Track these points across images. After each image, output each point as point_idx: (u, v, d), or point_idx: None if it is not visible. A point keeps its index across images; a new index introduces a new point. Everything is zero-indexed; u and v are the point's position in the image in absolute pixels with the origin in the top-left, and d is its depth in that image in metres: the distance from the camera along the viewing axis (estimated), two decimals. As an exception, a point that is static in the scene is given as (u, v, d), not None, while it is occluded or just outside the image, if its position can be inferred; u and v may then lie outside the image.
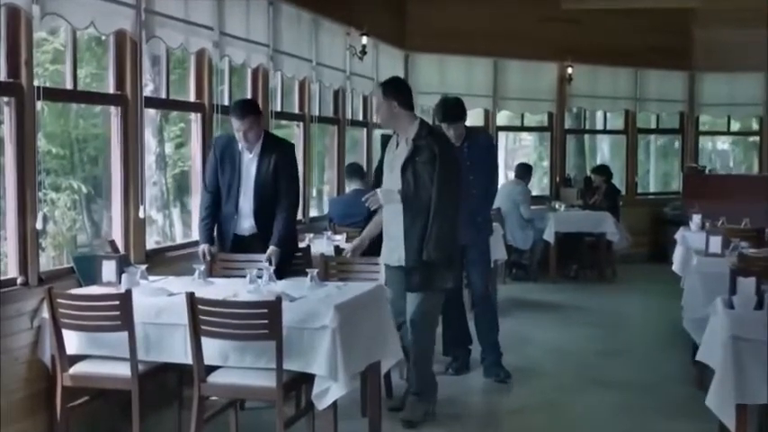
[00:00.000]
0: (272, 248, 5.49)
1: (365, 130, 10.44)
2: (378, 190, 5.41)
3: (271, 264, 5.28)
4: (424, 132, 5.29)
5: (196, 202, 6.56)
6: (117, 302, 4.41)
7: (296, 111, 8.62)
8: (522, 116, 13.27)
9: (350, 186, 8.13)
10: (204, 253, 5.69)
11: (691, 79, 13.46)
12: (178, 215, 9.68)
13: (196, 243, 5.95)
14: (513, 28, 11.78)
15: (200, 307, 4.29)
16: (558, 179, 12.90)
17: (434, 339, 5.64)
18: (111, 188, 5.66)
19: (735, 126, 14.68)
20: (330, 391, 4.29)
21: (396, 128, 5.40)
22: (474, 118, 11.45)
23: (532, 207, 10.99)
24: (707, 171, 13.30)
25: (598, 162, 14.28)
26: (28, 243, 4.65)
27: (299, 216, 7.52)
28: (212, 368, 4.45)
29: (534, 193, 11.86)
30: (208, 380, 4.39)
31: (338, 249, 6.28)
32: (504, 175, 12.25)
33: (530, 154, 15.58)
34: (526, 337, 7.96)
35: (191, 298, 4.28)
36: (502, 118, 12.92)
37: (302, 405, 5.05)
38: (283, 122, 8.57)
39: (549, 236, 10.87)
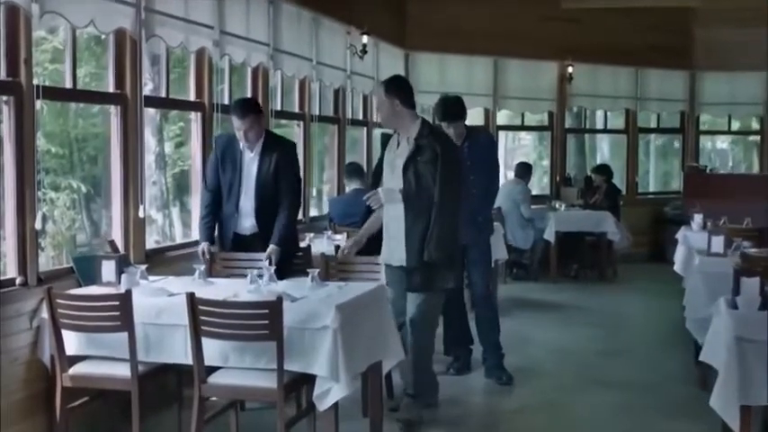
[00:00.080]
0: (272, 247, 5.47)
1: (365, 129, 10.42)
2: (379, 189, 5.37)
3: (271, 263, 5.26)
4: (426, 132, 5.26)
5: (196, 201, 6.55)
6: (117, 303, 4.39)
7: (296, 110, 8.60)
8: (523, 115, 13.25)
9: (350, 186, 8.11)
10: (204, 252, 5.67)
11: (691, 78, 13.44)
12: (178, 215, 9.65)
13: (196, 243, 5.94)
14: (514, 27, 11.76)
15: (200, 307, 4.27)
16: (558, 179, 12.88)
17: (434, 340, 5.61)
18: (111, 188, 5.64)
19: (735, 125, 14.67)
20: (331, 391, 4.27)
21: (397, 127, 5.37)
22: (474, 117, 11.42)
23: (533, 206, 10.97)
24: (708, 170, 13.28)
25: (598, 161, 14.26)
26: (27, 243, 4.63)
27: (300, 216, 7.49)
28: (213, 369, 4.43)
29: (534, 192, 11.84)
30: (208, 380, 4.37)
31: (339, 249, 6.25)
32: (504, 175, 12.22)
33: (529, 153, 15.55)
34: (527, 336, 7.94)
35: (191, 298, 4.26)
36: (502, 117, 12.90)
37: (303, 406, 5.03)
38: (283, 122, 8.54)
39: (549, 235, 10.85)
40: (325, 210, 8.86)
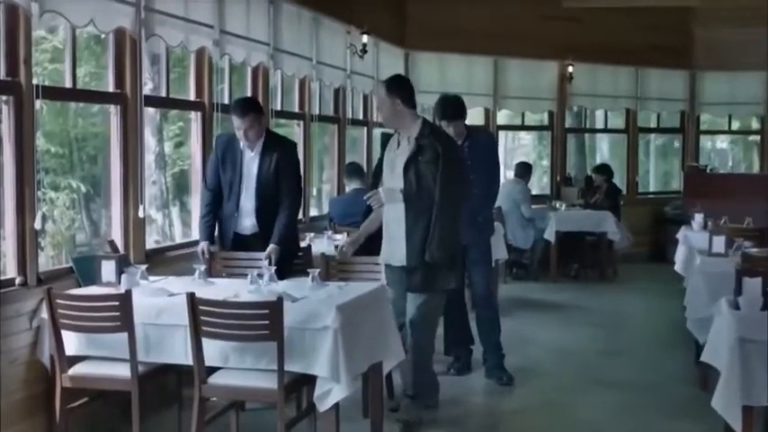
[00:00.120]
0: (272, 246, 5.46)
1: (365, 129, 10.41)
2: (380, 189, 5.35)
3: (270, 262, 5.25)
4: (427, 131, 5.24)
5: (196, 201, 6.54)
6: (117, 303, 4.37)
7: (296, 110, 8.59)
8: (523, 115, 13.24)
9: (350, 186, 8.10)
10: (203, 251, 5.66)
11: (691, 78, 13.43)
12: (177, 214, 9.64)
13: (196, 243, 5.92)
14: (514, 26, 11.75)
15: (200, 307, 4.26)
16: (558, 178, 12.87)
17: (434, 340, 5.60)
18: (111, 187, 5.63)
19: (734, 125, 14.66)
20: (332, 392, 4.26)
21: (398, 126, 5.35)
22: (474, 117, 11.41)
23: (533, 206, 10.96)
24: (708, 170, 13.27)
25: (598, 161, 14.25)
26: (27, 243, 4.62)
27: (300, 216, 7.48)
28: (213, 369, 4.42)
29: (534, 192, 11.84)
30: (208, 381, 4.36)
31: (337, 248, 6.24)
32: (504, 175, 12.20)
33: (529, 153, 15.55)
34: (527, 336, 7.93)
35: (191, 298, 4.25)
36: (502, 117, 12.89)
37: (303, 406, 5.02)
38: (282, 121, 8.53)
39: (549, 235, 10.84)
40: (326, 209, 8.84)
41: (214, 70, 6.68)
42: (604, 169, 11.95)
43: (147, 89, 6.21)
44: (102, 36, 5.65)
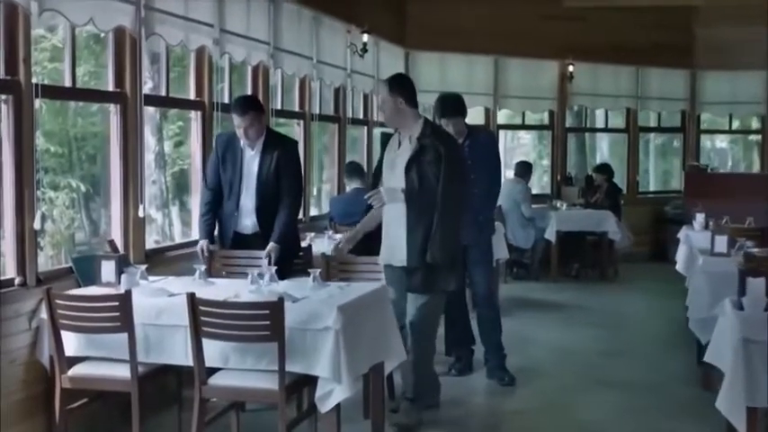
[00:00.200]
0: (271, 245, 5.44)
1: (365, 128, 10.39)
2: (381, 188, 5.31)
3: (270, 260, 5.22)
4: (429, 131, 5.21)
5: (196, 200, 6.52)
6: (116, 303, 4.35)
7: (296, 109, 8.57)
8: (524, 114, 13.22)
9: (350, 185, 8.09)
10: (203, 249, 5.63)
11: (692, 77, 13.42)
12: (177, 214, 9.62)
13: (196, 242, 5.90)
14: (514, 26, 11.73)
15: (201, 308, 4.23)
16: (559, 178, 12.85)
17: (435, 341, 5.58)
18: (111, 187, 5.61)
19: (735, 124, 14.64)
20: (333, 393, 4.23)
21: (400, 125, 5.32)
22: (475, 116, 11.40)
23: (533, 206, 10.94)
24: (709, 170, 13.24)
25: (598, 161, 14.24)
26: (26, 243, 4.60)
27: (300, 215, 7.46)
28: (213, 370, 4.39)
29: (535, 191, 11.82)
30: (209, 382, 4.34)
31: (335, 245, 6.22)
32: (503, 174, 12.18)
33: (528, 153, 15.53)
34: (528, 336, 7.90)
35: (191, 299, 4.23)
36: (502, 116, 12.87)
37: (304, 407, 5.00)
38: (281, 120, 8.50)
39: (550, 235, 10.82)
40: (326, 209, 8.82)
41: (214, 69, 6.66)
42: (605, 169, 11.93)
43: (147, 88, 6.18)
44: (102, 35, 5.62)
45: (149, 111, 7.12)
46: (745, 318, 4.28)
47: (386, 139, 5.62)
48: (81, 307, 4.41)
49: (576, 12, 11.83)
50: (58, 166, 8.57)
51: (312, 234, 7.23)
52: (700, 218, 8.45)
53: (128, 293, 4.40)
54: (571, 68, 12.44)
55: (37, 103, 4.70)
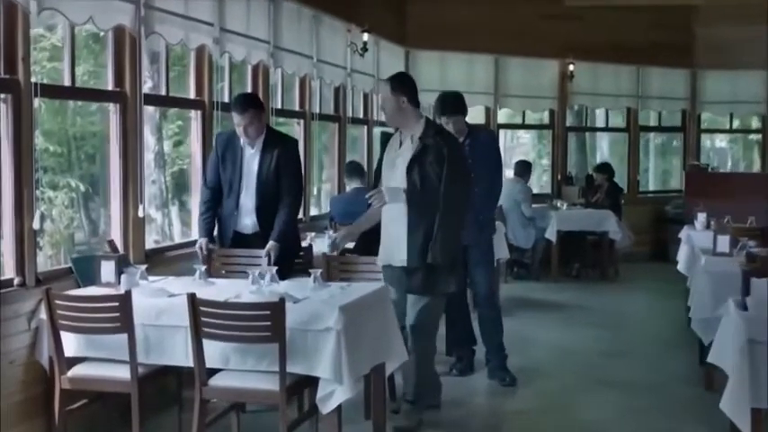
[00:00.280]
0: (271, 243, 5.41)
1: (365, 127, 10.37)
2: (382, 188, 5.27)
3: (270, 259, 5.19)
4: (432, 131, 5.17)
5: (195, 200, 6.49)
6: (116, 304, 4.32)
7: (296, 108, 8.54)
8: (524, 113, 13.20)
9: (350, 185, 8.06)
10: (202, 247, 5.60)
11: (693, 77, 13.40)
12: (177, 214, 9.60)
13: (196, 242, 5.86)
14: (515, 25, 11.71)
15: (201, 308, 4.21)
16: (559, 177, 12.83)
17: (435, 344, 5.55)
18: (110, 186, 5.58)
19: (735, 123, 14.62)
20: (335, 394, 4.20)
21: (401, 125, 5.27)
22: (475, 115, 11.37)
23: (534, 205, 10.92)
24: (709, 169, 13.23)
25: (598, 160, 14.22)
26: (25, 243, 4.57)
27: (300, 215, 7.44)
28: (213, 371, 4.37)
29: (535, 191, 11.81)
30: (209, 383, 4.31)
31: (332, 241, 6.18)
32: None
33: (528, 152, 15.52)
34: (529, 337, 7.88)
35: (192, 299, 4.20)
36: (502, 115, 12.84)
37: (305, 408, 4.98)
38: (281, 119, 8.48)
39: (551, 234, 10.80)
40: (326, 209, 8.80)
41: (214, 68, 6.64)
42: (605, 168, 11.91)
43: (147, 87, 6.16)
44: (101, 34, 5.60)
45: (149, 110, 7.10)
46: (750, 319, 4.25)
47: (386, 138, 5.59)
48: (81, 307, 4.38)
49: (577, 11, 11.82)
50: (57, 166, 8.56)
51: (312, 234, 7.21)
52: (701, 217, 8.43)
53: (128, 294, 4.37)
54: (571, 68, 12.42)
55: (36, 102, 4.68)
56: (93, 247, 8.29)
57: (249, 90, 7.34)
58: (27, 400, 4.55)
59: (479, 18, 11.39)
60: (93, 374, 4.47)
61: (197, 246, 5.66)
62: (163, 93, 6.36)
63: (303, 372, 4.25)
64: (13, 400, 4.44)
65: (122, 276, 4.76)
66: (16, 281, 4.55)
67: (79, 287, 4.92)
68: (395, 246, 5.20)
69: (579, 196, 11.97)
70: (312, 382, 4.34)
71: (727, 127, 14.75)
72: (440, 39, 11.31)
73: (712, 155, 15.32)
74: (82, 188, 8.79)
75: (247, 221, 5.65)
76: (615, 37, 12.27)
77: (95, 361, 4.51)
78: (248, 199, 5.61)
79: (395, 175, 5.22)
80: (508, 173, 11.50)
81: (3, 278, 4.54)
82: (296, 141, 5.93)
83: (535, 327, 8.40)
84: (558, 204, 11.47)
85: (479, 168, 6.12)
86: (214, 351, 4.30)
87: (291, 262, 5.64)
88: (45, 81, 4.99)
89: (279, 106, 8.08)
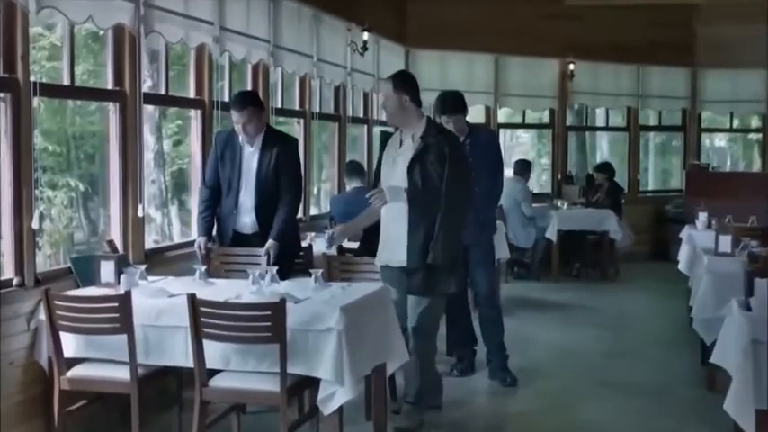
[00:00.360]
0: (270, 242, 5.39)
1: (365, 127, 10.35)
2: (383, 187, 5.24)
3: (269, 258, 5.16)
4: (434, 131, 5.14)
5: (195, 200, 6.45)
6: (116, 304, 4.30)
7: (296, 107, 8.52)
8: (524, 113, 13.19)
9: (350, 184, 8.04)
10: (200, 247, 5.58)
11: (693, 76, 13.38)
12: (176, 213, 9.58)
13: (195, 242, 5.84)
14: (515, 24, 11.69)
15: (201, 309, 4.18)
16: (559, 177, 12.81)
17: (436, 344, 5.53)
18: (110, 186, 5.56)
19: (735, 123, 14.61)
20: (336, 395, 4.18)
21: (403, 124, 5.24)
22: (475, 115, 11.35)
23: (534, 205, 10.90)
24: (710, 169, 13.21)
25: (599, 159, 14.20)
26: (24, 243, 4.56)
27: (300, 214, 7.41)
28: (214, 372, 4.34)
29: (535, 190, 11.81)
30: (209, 384, 4.29)
31: (341, 249, 6.16)
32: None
33: (528, 152, 15.51)
34: (529, 337, 7.86)
35: (192, 299, 4.18)
36: (502, 115, 12.83)
37: (306, 409, 4.96)
38: (281, 119, 8.46)
39: (551, 234, 10.78)
40: (325, 208, 8.78)
41: (214, 67, 6.61)
42: (606, 168, 11.89)
43: (146, 86, 6.15)
44: (101, 33, 5.58)
45: (148, 109, 7.08)
46: (754, 319, 4.23)
47: (385, 137, 5.56)
48: (80, 308, 4.35)
49: (577, 10, 11.79)
50: (56, 165, 8.54)
51: (312, 234, 7.18)
52: (702, 217, 8.42)
53: (127, 294, 4.35)
54: (571, 67, 12.41)
55: (35, 101, 4.66)
56: (92, 246, 8.26)
57: (249, 89, 7.31)
58: (26, 401, 4.53)
59: (479, 17, 11.37)
60: (93, 375, 4.45)
61: (196, 245, 5.63)
62: (162, 92, 6.34)
63: (304, 372, 4.23)
64: (12, 401, 4.43)
65: (122, 276, 4.73)
66: (15, 281, 4.53)
67: (78, 287, 4.90)
68: (394, 245, 5.15)
69: (579, 196, 11.96)
70: (313, 382, 4.31)
71: (728, 126, 14.74)
72: (440, 38, 11.29)
73: (711, 154, 15.32)
74: (81, 188, 8.77)
75: (246, 220, 5.63)
76: (615, 36, 12.25)
77: (95, 361, 4.48)
78: (247, 198, 5.59)
79: (395, 175, 5.19)
80: (508, 172, 11.50)
81: (2, 278, 4.53)
82: (295, 140, 5.90)
83: (535, 327, 8.38)
84: (559, 204, 11.46)
85: (480, 168, 6.10)
86: (214, 352, 4.28)
87: (291, 262, 5.62)
88: (44, 80, 4.99)
89: (279, 105, 8.06)
